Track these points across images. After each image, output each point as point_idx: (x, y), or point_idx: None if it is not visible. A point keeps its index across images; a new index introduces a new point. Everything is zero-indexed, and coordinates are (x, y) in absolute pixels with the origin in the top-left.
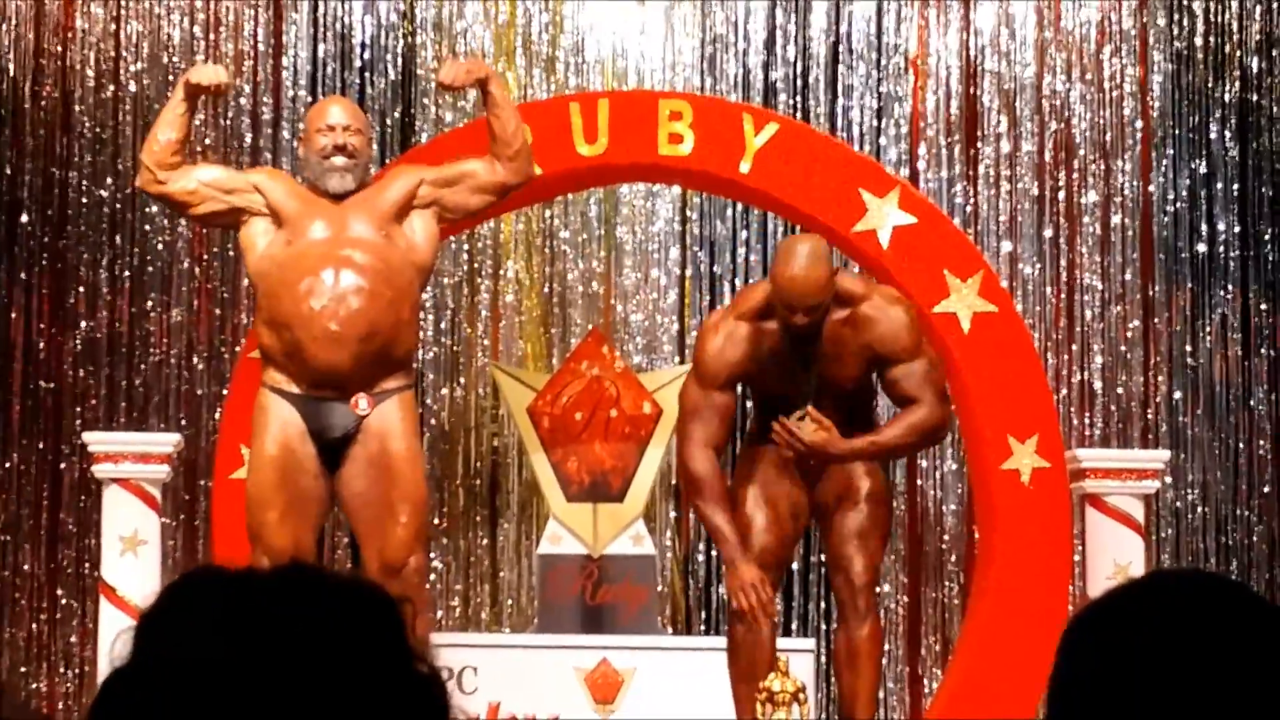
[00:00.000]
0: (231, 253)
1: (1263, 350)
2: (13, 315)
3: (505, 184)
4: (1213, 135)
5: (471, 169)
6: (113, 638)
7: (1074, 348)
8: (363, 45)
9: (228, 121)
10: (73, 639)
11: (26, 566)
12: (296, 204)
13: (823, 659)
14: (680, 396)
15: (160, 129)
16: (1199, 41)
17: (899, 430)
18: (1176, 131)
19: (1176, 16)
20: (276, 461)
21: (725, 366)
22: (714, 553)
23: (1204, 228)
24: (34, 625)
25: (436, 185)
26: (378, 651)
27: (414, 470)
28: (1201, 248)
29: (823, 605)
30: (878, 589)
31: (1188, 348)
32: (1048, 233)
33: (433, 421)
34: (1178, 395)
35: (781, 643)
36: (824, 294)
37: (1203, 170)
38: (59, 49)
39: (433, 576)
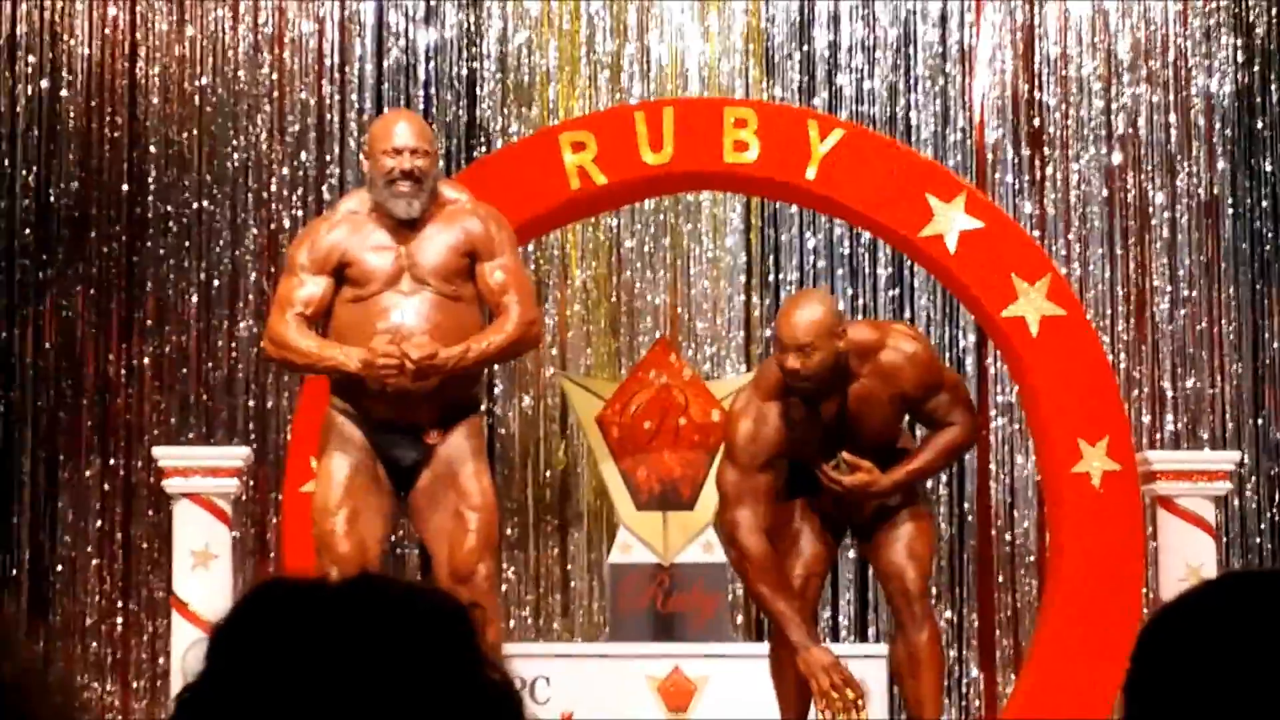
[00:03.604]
0: None
1: None
2: (82, 331)
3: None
4: (1278, 131)
5: (497, 300)
6: (183, 652)
7: (1143, 350)
8: (426, 59)
9: (293, 137)
10: (144, 653)
11: (98, 581)
12: (364, 253)
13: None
14: (718, 480)
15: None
16: (1260, 43)
17: (933, 454)
18: (1241, 131)
19: (1241, 17)
20: (345, 473)
21: (761, 447)
22: None
23: (1271, 226)
24: (106, 639)
25: (480, 273)
26: (451, 661)
27: (481, 482)
28: (1269, 246)
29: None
30: (950, 593)
31: (1257, 348)
32: (1116, 235)
33: (502, 431)
34: (1247, 396)
35: (855, 649)
36: (815, 335)
37: (1268, 168)
38: (125, 65)
39: (504, 587)
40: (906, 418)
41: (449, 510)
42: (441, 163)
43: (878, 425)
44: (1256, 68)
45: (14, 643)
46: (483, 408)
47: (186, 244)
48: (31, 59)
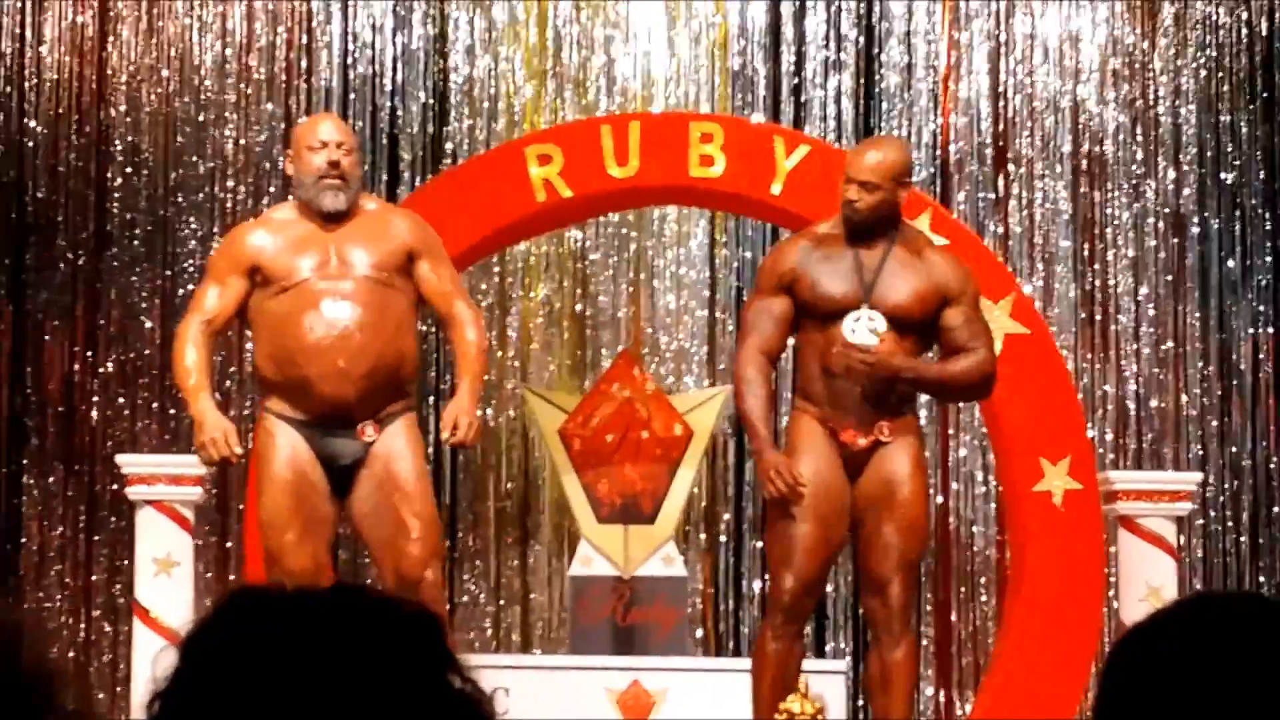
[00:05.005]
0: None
1: None
2: (47, 338)
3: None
4: (1244, 151)
5: (448, 306)
6: (153, 657)
7: (1106, 369)
8: (394, 68)
9: (260, 146)
10: (105, 659)
11: (60, 587)
12: (286, 249)
13: (852, 681)
14: (740, 316)
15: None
16: (1229, 61)
17: (963, 365)
18: (1207, 151)
19: (1207, 36)
20: (289, 484)
21: (783, 264)
22: (745, 572)
23: (1237, 248)
24: (68, 645)
25: (420, 274)
26: (424, 670)
27: (422, 486)
28: (1233, 265)
29: (853, 627)
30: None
31: (1221, 368)
32: (1080, 253)
33: None
34: (1211, 416)
35: (815, 664)
36: (880, 176)
37: (1233, 188)
38: (92, 73)
39: (465, 598)
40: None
41: (391, 517)
42: (406, 174)
43: (900, 300)
44: (1225, 88)
45: (35, 641)
46: (414, 401)
47: (151, 252)
48: (0, 65)
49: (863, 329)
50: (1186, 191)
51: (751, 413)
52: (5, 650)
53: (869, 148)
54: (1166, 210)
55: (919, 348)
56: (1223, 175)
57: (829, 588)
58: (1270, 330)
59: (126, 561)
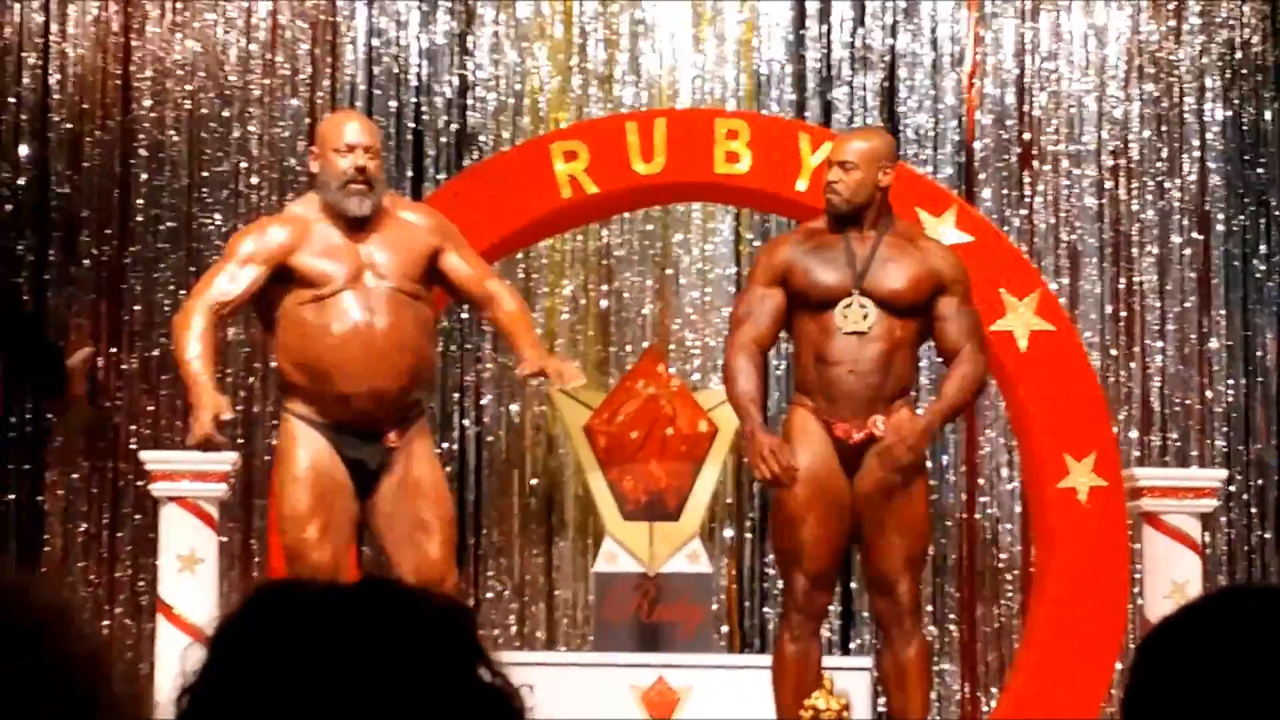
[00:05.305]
0: None
1: None
2: (72, 334)
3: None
4: (1269, 148)
5: (480, 288)
6: (181, 652)
7: (1132, 366)
8: (418, 63)
9: (283, 143)
10: (129, 656)
11: (84, 584)
12: (317, 256)
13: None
14: (733, 309)
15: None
16: (1254, 58)
17: (955, 386)
18: (1233, 147)
19: (1233, 34)
20: (311, 481)
21: (776, 259)
22: (770, 570)
23: (1262, 245)
24: None
25: (448, 265)
26: (455, 664)
27: (441, 489)
28: (1258, 262)
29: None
30: (934, 607)
31: (1245, 365)
32: (1105, 250)
33: (489, 439)
34: (1236, 413)
35: (839, 661)
36: (860, 157)
37: (1258, 185)
38: (117, 69)
39: (489, 595)
40: (918, 353)
41: (411, 516)
42: (431, 169)
43: (900, 285)
44: (1250, 84)
45: (83, 623)
46: (429, 403)
47: (175, 248)
48: (26, 60)
49: (855, 315)
50: (1213, 186)
51: (743, 396)
52: (58, 632)
53: (850, 135)
54: (1192, 207)
55: (916, 332)
56: (1248, 173)
57: (852, 584)
58: None
59: (150, 558)
